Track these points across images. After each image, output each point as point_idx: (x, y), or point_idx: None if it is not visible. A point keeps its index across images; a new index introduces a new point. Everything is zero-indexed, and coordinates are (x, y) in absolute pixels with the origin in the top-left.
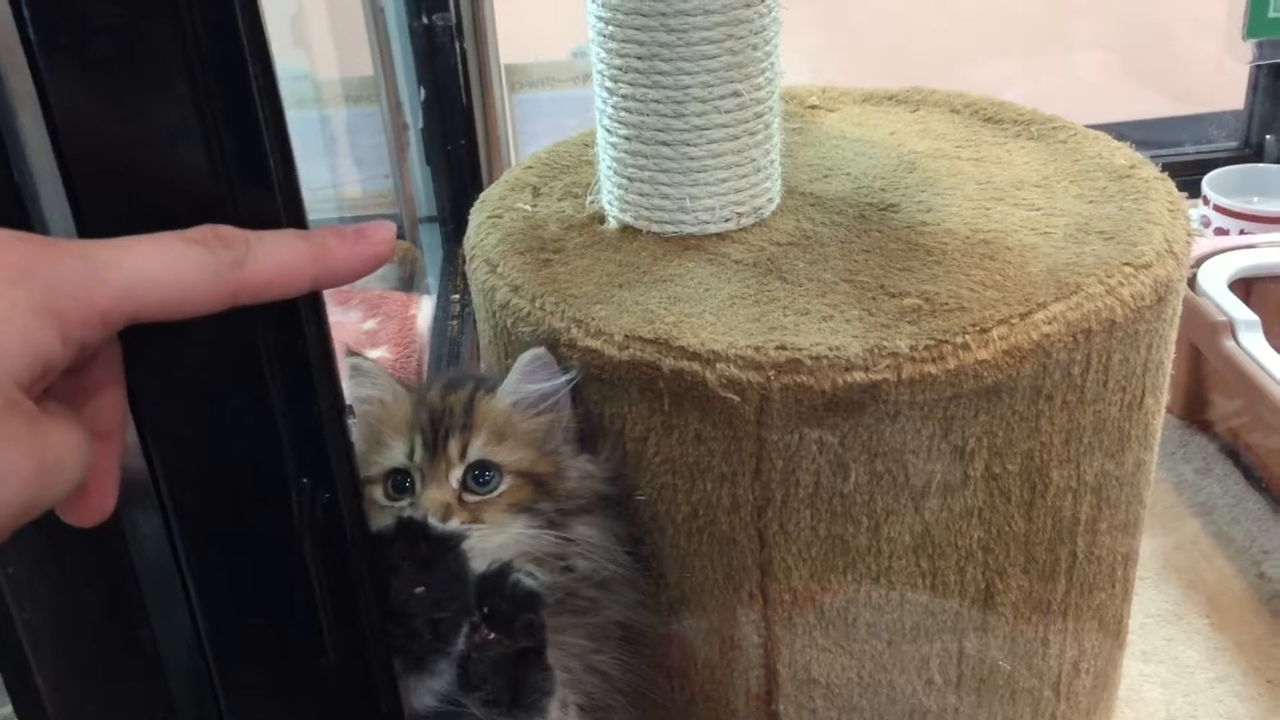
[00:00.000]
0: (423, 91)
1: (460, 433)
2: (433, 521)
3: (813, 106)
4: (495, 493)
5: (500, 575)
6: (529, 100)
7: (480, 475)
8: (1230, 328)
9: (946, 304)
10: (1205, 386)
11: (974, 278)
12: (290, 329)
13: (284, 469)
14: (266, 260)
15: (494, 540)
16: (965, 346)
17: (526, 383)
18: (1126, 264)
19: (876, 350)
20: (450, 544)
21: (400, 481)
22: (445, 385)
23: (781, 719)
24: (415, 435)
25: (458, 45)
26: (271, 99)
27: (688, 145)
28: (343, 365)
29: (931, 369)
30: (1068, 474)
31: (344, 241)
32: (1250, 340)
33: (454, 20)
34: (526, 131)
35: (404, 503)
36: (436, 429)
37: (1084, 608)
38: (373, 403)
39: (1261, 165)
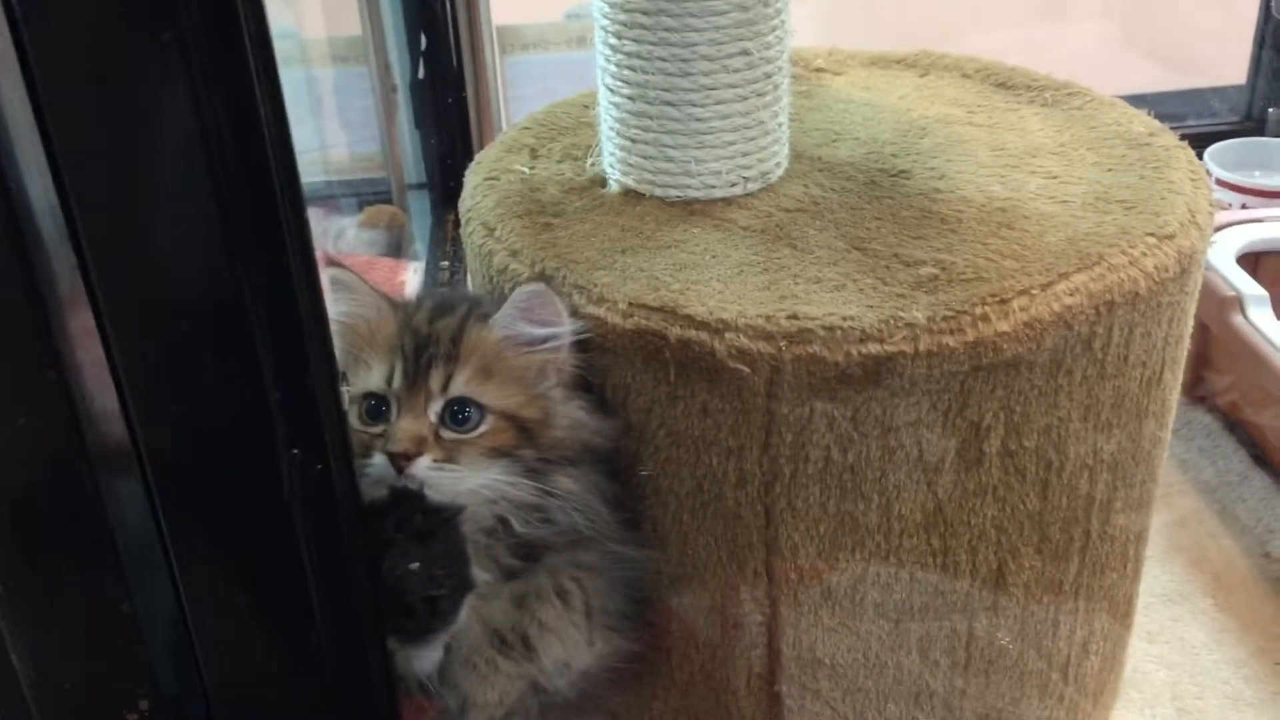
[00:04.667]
0: (424, 40)
1: (444, 363)
2: (391, 446)
3: (819, 69)
4: (475, 433)
5: (405, 491)
6: (521, 63)
7: (460, 412)
8: (1239, 303)
9: (964, 273)
10: (1210, 363)
11: (991, 247)
12: (282, 292)
13: (274, 439)
14: None
15: (466, 484)
16: (985, 318)
17: (522, 320)
18: (1150, 234)
19: (892, 321)
20: (448, 516)
21: (376, 407)
22: (434, 308)
23: (784, 699)
24: (396, 359)
25: (448, 4)
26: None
27: (694, 106)
28: (322, 276)
29: (949, 341)
30: (1084, 451)
31: None
32: (1259, 316)
33: None
34: (518, 96)
35: (378, 429)
36: (420, 356)
37: (1095, 588)
38: (354, 319)
39: (1263, 139)
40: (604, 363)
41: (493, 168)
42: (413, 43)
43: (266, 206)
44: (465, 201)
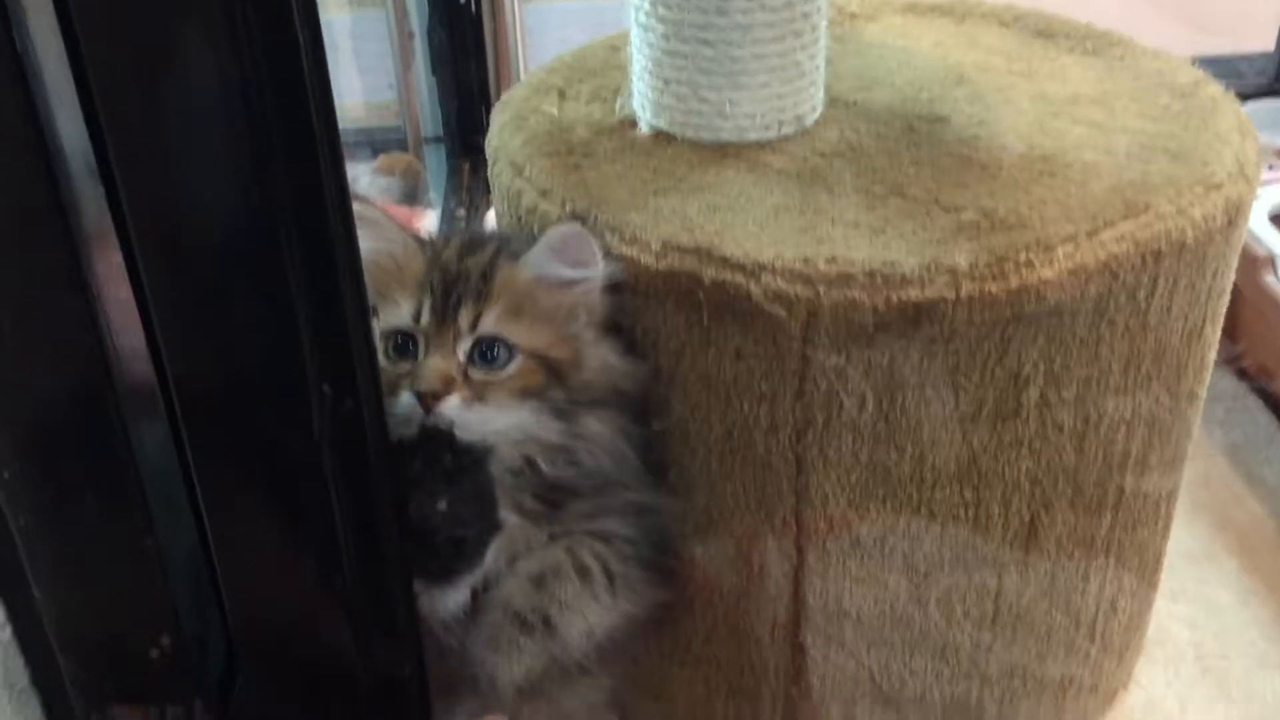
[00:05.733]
0: None
1: (474, 301)
2: (420, 386)
3: (852, 15)
4: (504, 373)
5: (435, 430)
6: (540, 11)
7: (490, 351)
8: (1272, 262)
9: (1006, 220)
10: (1239, 325)
11: (1034, 194)
12: (317, 228)
13: (304, 375)
14: None
15: (495, 424)
16: (1029, 264)
17: (556, 260)
18: (1198, 184)
19: (934, 266)
20: (476, 456)
21: (403, 344)
22: (464, 245)
23: (808, 650)
24: (425, 296)
25: None
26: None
27: (730, 45)
28: None
29: (992, 288)
30: (1123, 404)
31: None
32: None
33: None
34: (537, 44)
35: (405, 367)
36: (449, 293)
37: (1126, 545)
38: (379, 255)
39: None
40: (635, 305)
41: (520, 108)
42: None
43: (303, 141)
44: (491, 140)
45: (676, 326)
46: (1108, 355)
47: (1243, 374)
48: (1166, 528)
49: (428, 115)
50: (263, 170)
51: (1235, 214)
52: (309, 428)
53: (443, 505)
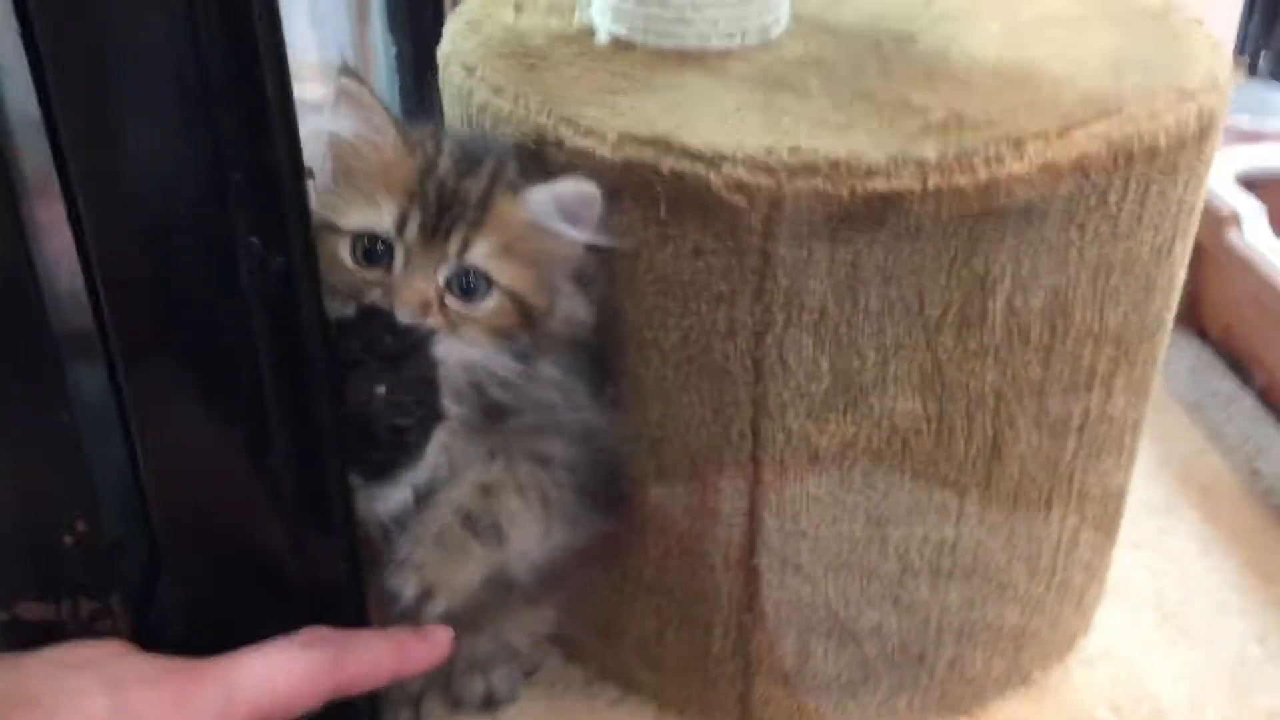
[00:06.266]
0: None
1: (467, 227)
2: (396, 310)
3: None
4: (479, 308)
5: (374, 309)
6: None
7: (469, 283)
8: (1236, 220)
9: (975, 120)
10: (1201, 286)
11: (1004, 99)
12: (244, 52)
13: (231, 224)
14: (360, 657)
15: (458, 356)
16: (999, 159)
17: (559, 213)
18: (1171, 92)
19: (901, 157)
20: (419, 338)
21: (374, 250)
22: (460, 160)
23: (762, 573)
24: (413, 207)
25: None
26: None
27: None
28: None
29: (960, 180)
30: (1090, 317)
31: (420, 643)
32: (1257, 233)
33: None
34: None
35: (374, 275)
36: (442, 213)
37: (1090, 473)
38: (359, 141)
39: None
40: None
41: (474, 15)
42: None
43: None
44: (443, 48)
45: (633, 223)
46: (1076, 262)
47: (1204, 334)
48: (1130, 462)
49: (385, 76)
50: None
51: (1208, 124)
52: (235, 283)
53: (382, 390)
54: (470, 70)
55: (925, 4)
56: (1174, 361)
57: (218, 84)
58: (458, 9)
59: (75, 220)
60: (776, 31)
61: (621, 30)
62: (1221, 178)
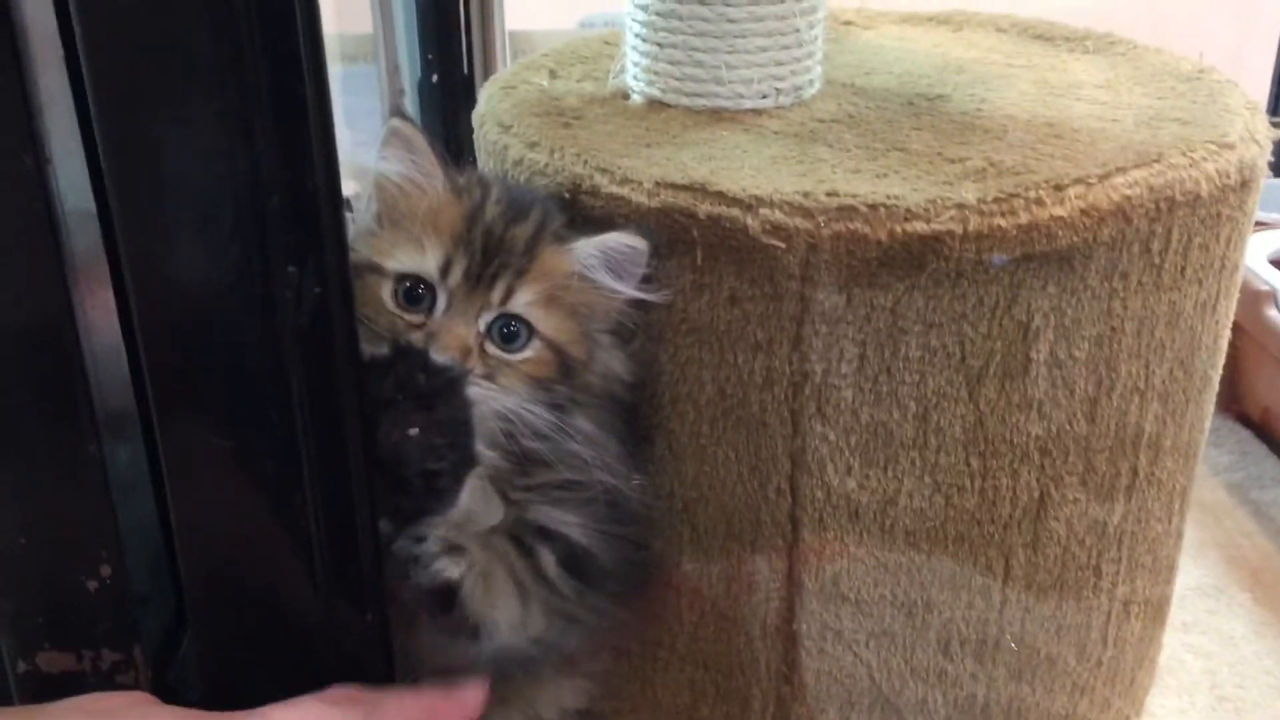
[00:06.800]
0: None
1: (512, 275)
2: (434, 354)
3: (848, 23)
4: (518, 356)
5: (409, 348)
6: None
7: (510, 330)
8: (1273, 297)
9: (1014, 168)
10: (1242, 370)
11: (1041, 150)
12: (288, 75)
13: (269, 251)
14: (388, 716)
15: (494, 402)
16: (1039, 202)
17: (605, 267)
18: (1210, 142)
19: (940, 200)
20: (454, 381)
21: (416, 293)
22: (508, 208)
23: (802, 640)
24: (459, 252)
25: (462, 7)
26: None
27: (727, 5)
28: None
29: (1001, 223)
30: (1136, 371)
31: (450, 703)
32: None
33: None
34: None
35: (415, 318)
36: (488, 259)
37: (1139, 539)
38: (406, 182)
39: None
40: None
41: (509, 80)
42: (424, 45)
43: None
44: (479, 111)
45: (669, 271)
46: (1120, 312)
47: (1244, 418)
48: (1179, 532)
49: None
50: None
51: (1249, 175)
52: (272, 314)
53: (415, 432)
54: (505, 128)
55: (956, 70)
56: (1215, 445)
57: (262, 112)
58: (493, 78)
59: (115, 268)
60: (809, 92)
61: (656, 91)
62: (1256, 259)
